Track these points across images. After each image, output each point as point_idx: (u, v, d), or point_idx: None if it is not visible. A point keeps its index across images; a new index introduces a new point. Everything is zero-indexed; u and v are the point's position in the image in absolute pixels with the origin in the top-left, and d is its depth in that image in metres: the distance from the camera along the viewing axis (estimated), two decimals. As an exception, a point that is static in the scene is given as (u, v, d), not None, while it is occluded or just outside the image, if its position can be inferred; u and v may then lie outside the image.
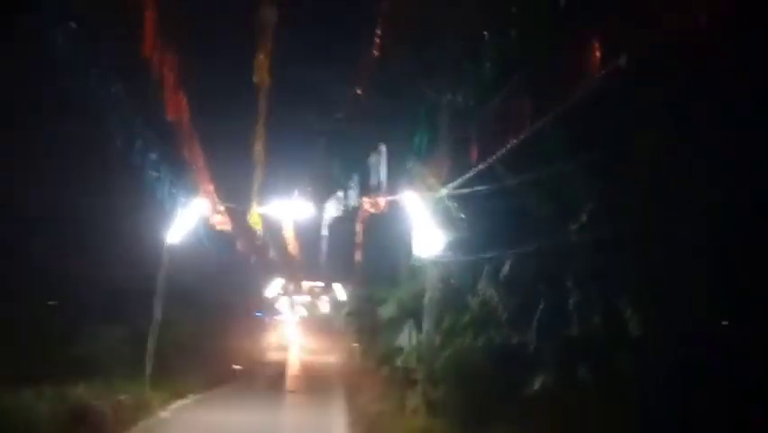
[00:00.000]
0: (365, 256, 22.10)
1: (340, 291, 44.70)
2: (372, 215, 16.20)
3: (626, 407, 11.49)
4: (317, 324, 58.72)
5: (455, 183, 14.13)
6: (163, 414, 17.16)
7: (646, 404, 11.34)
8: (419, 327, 15.49)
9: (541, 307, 12.76)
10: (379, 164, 11.89)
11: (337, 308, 44.20)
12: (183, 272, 20.93)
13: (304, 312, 67.28)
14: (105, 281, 17.91)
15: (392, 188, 15.55)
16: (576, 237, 12.48)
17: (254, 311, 44.10)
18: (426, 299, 14.55)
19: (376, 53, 13.76)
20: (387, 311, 18.78)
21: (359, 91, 13.59)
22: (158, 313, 18.58)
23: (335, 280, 43.71)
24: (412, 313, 16.69)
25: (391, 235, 18.55)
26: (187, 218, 18.30)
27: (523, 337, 13.20)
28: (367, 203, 14.96)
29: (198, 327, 24.86)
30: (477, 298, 14.75)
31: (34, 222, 15.31)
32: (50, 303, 17.51)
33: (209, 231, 21.56)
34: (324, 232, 17.88)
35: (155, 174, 15.19)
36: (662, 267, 11.38)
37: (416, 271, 17.10)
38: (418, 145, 14.53)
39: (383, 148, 11.80)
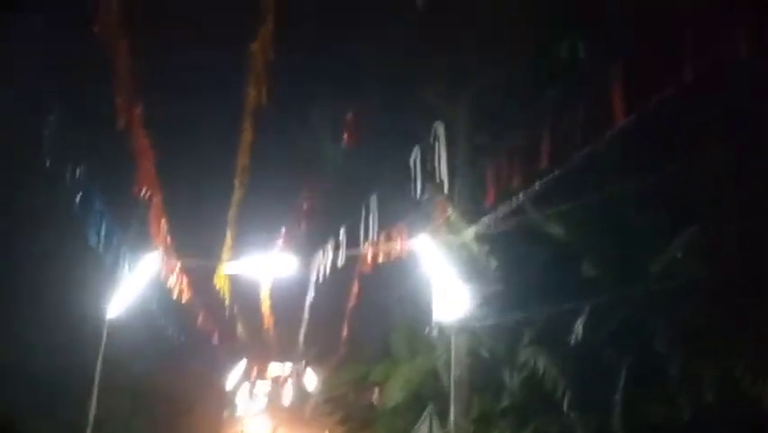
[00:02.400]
0: (357, 327, 18.41)
1: (309, 377, 40.54)
2: (375, 268, 12.60)
3: None
4: (285, 417, 53.77)
5: (484, 221, 10.88)
6: None
7: None
8: (441, 416, 11.79)
9: (621, 383, 9.32)
10: (437, 152, 8.25)
11: (305, 397, 39.83)
12: (131, 357, 16.99)
13: (265, 404, 62.01)
14: (26, 372, 14.23)
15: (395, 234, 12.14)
16: (662, 284, 9.35)
17: (216, 406, 39.24)
18: (452, 378, 10.93)
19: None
20: (390, 396, 14.93)
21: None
22: (94, 411, 14.36)
23: (313, 361, 39.43)
24: (427, 397, 13.00)
25: (391, 298, 15.05)
26: (135, 283, 14.37)
27: (594, 426, 9.73)
28: (375, 248, 11.33)
29: (151, 429, 20.53)
30: (517, 373, 11.26)
31: None
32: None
33: (164, 301, 17.53)
34: (309, 297, 14.17)
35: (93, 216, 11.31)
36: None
37: (426, 341, 13.50)
38: (433, 176, 11.30)
39: (441, 129, 8.28)
